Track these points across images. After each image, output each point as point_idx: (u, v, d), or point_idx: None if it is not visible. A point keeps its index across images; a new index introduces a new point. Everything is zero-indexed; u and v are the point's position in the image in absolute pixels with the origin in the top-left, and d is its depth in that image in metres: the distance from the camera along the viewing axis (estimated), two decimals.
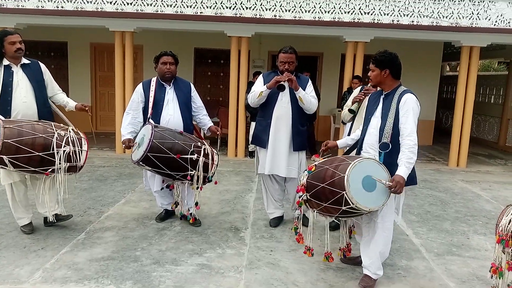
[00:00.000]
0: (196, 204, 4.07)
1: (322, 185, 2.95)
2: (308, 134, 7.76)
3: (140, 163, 3.82)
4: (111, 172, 6.52)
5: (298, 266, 3.49)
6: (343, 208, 2.88)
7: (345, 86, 7.92)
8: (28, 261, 3.37)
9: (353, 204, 2.82)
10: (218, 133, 4.21)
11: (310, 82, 4.24)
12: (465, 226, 4.70)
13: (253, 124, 7.80)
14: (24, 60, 3.82)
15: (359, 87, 4.31)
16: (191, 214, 4.22)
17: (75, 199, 4.98)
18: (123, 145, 4.07)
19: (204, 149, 3.92)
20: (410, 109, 3.05)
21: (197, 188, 3.94)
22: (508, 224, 2.40)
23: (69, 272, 3.21)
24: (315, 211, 3.11)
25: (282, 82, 3.94)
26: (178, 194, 4.26)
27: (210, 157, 3.95)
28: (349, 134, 4.06)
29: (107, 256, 3.53)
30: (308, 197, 3.07)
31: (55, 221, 3.96)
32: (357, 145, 3.37)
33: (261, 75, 4.32)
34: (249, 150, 8.16)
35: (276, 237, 4.10)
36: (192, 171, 3.85)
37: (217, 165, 4.02)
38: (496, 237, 2.46)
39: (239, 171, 6.97)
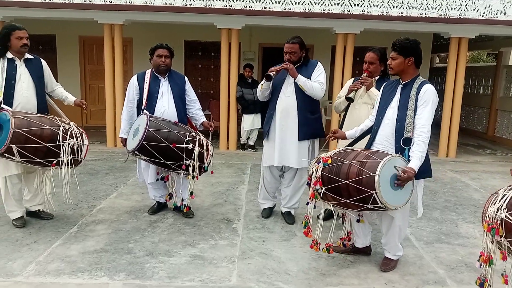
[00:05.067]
0: (192, 193, 4.08)
1: (345, 181, 2.84)
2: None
3: (136, 152, 3.82)
4: (102, 166, 6.50)
5: (290, 256, 3.53)
6: (368, 206, 2.82)
7: (336, 78, 7.95)
8: (20, 255, 3.37)
9: (382, 204, 2.77)
10: (210, 129, 4.22)
11: (318, 66, 4.05)
12: (454, 214, 4.78)
13: (244, 117, 7.90)
14: (27, 55, 3.84)
15: (352, 78, 4.22)
16: (185, 205, 4.25)
17: (67, 192, 4.95)
18: (122, 144, 4.17)
19: (199, 139, 3.95)
20: (429, 100, 2.99)
21: (193, 177, 3.95)
22: (496, 212, 2.38)
23: (62, 265, 3.22)
24: (330, 205, 3.03)
25: (269, 72, 3.93)
26: (173, 186, 4.27)
27: (205, 147, 3.97)
28: (341, 128, 4.06)
29: (100, 248, 3.54)
30: (324, 191, 2.95)
31: (43, 211, 4.06)
32: (370, 136, 3.28)
33: None
34: (241, 142, 8.18)
35: (268, 228, 4.14)
36: (188, 160, 3.87)
37: (212, 155, 4.04)
38: (484, 226, 2.41)
39: (231, 163, 6.98)
